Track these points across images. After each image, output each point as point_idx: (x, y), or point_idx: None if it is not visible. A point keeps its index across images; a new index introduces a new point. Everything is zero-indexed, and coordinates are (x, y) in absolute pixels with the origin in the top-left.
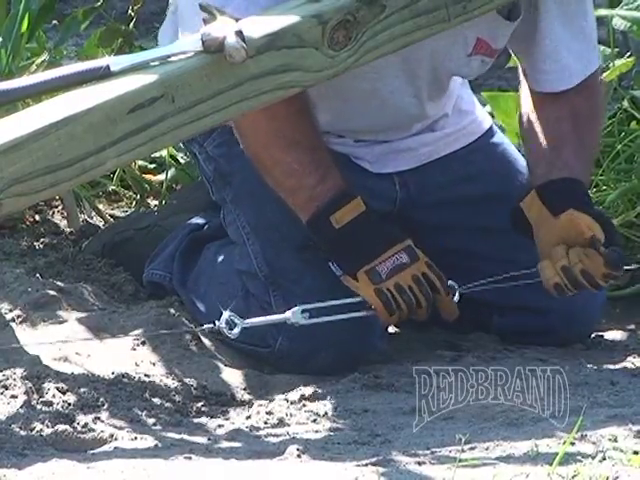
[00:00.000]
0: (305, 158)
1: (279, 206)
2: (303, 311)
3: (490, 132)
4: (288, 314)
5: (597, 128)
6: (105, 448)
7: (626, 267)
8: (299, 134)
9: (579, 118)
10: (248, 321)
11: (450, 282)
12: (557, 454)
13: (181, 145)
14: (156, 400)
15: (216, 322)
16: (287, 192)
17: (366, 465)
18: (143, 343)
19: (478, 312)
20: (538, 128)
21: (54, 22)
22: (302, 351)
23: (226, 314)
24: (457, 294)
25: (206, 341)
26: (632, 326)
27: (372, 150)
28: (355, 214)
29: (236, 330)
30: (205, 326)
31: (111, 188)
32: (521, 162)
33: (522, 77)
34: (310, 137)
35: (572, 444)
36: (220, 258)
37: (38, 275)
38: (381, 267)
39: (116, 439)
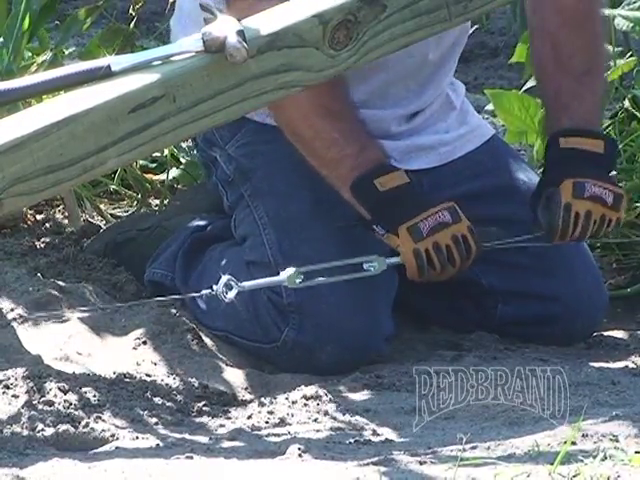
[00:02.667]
0: (345, 127)
1: (301, 200)
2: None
3: (495, 137)
4: (283, 276)
5: (588, 44)
6: (106, 448)
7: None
8: (338, 104)
9: (560, 49)
10: (244, 284)
11: None
12: (558, 453)
13: (196, 154)
14: (157, 400)
15: (214, 287)
16: (329, 164)
17: (367, 465)
18: (144, 343)
19: (481, 303)
20: (536, 76)
21: (55, 22)
22: (308, 343)
23: (225, 278)
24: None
25: (207, 341)
26: (633, 326)
27: (398, 146)
28: (399, 182)
29: (232, 293)
30: (203, 291)
31: (112, 188)
32: (522, 162)
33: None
34: (349, 108)
35: (573, 444)
36: (227, 257)
37: (39, 275)
38: (423, 224)
39: (117, 439)
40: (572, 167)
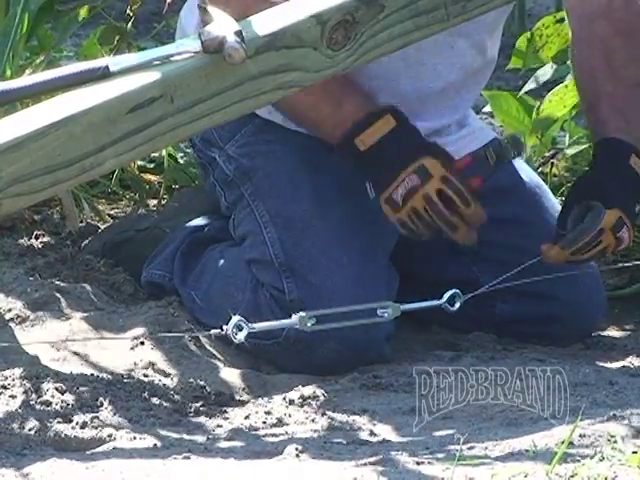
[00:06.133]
0: (317, 89)
1: (302, 198)
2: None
3: (496, 139)
4: (294, 319)
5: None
6: (104, 448)
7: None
8: None
9: (614, 57)
10: (255, 325)
11: (454, 290)
12: (556, 454)
13: (196, 154)
14: (155, 400)
15: (224, 327)
16: (314, 127)
17: (365, 465)
18: (142, 343)
19: (480, 302)
20: (580, 84)
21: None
22: (309, 340)
23: (235, 318)
24: (458, 303)
25: (205, 341)
26: (631, 326)
27: None
28: (381, 133)
29: (242, 335)
30: (213, 331)
31: (110, 188)
32: (522, 164)
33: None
34: None
35: (571, 444)
36: (227, 256)
37: (37, 275)
38: (395, 193)
39: (115, 439)
40: (629, 199)
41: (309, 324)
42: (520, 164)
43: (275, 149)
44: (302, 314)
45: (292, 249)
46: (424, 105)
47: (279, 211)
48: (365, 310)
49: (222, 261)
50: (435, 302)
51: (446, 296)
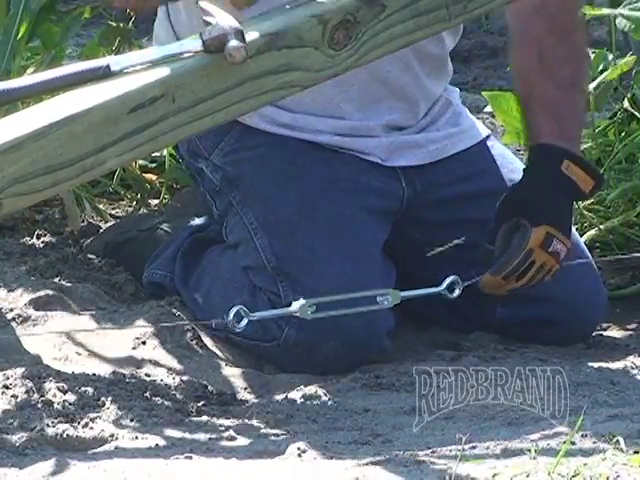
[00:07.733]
0: None
1: (288, 202)
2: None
3: (490, 138)
4: (295, 307)
5: (574, 56)
6: (106, 447)
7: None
8: None
9: (547, 56)
10: (256, 314)
11: (452, 277)
12: (557, 454)
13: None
14: (157, 399)
15: (225, 316)
16: None
17: (367, 465)
18: (144, 343)
19: (481, 305)
20: (515, 84)
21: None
22: (309, 341)
23: (235, 308)
24: (457, 290)
25: (207, 340)
26: (633, 326)
27: (380, 143)
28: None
29: (242, 323)
30: (214, 320)
31: (111, 188)
32: (518, 164)
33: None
34: None
35: (572, 444)
36: (225, 258)
37: (38, 275)
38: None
39: (117, 438)
40: (560, 209)
41: (309, 312)
42: (514, 166)
43: (259, 154)
44: (302, 302)
45: (283, 253)
46: (388, 90)
47: (267, 217)
48: (365, 298)
49: (221, 263)
50: (435, 289)
51: (445, 283)
